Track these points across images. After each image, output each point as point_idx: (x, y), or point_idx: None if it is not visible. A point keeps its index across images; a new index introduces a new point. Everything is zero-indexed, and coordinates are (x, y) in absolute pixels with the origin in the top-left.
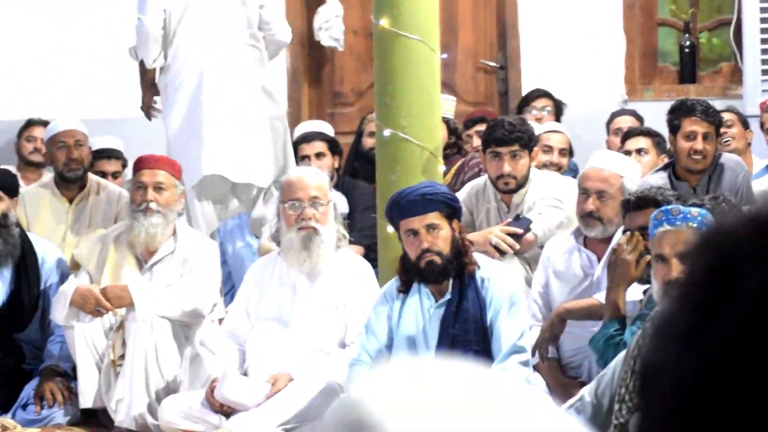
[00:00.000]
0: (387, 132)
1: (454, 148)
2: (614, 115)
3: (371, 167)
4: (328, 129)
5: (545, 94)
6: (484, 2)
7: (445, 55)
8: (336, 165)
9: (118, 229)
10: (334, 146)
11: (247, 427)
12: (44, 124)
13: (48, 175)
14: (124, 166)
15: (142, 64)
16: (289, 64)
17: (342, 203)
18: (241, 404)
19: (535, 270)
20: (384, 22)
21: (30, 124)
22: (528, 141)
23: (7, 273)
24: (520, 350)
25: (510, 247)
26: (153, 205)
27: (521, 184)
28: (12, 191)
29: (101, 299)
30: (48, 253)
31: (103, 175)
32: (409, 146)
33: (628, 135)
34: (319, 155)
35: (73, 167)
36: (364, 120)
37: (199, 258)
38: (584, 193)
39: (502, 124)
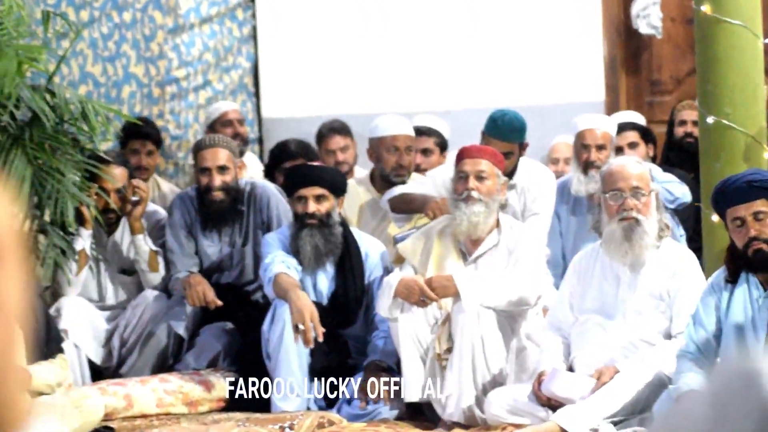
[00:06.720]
0: (711, 119)
1: None
2: None
3: (685, 156)
4: (639, 119)
5: None
6: None
7: (767, 40)
8: (651, 154)
9: (443, 222)
10: (646, 135)
11: (575, 420)
12: (338, 131)
13: (362, 171)
14: (443, 147)
15: None
16: (606, 52)
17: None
18: (568, 398)
19: None
20: (706, 8)
21: (322, 136)
22: None
23: (331, 269)
24: None
25: None
26: (474, 194)
27: None
28: (339, 191)
29: (426, 289)
30: (371, 247)
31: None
32: (733, 133)
33: None
34: (632, 145)
35: (401, 173)
36: (675, 109)
37: (524, 249)
38: None
39: None
